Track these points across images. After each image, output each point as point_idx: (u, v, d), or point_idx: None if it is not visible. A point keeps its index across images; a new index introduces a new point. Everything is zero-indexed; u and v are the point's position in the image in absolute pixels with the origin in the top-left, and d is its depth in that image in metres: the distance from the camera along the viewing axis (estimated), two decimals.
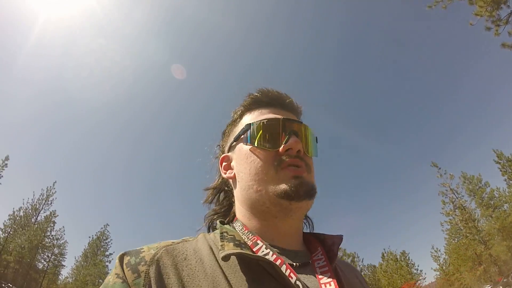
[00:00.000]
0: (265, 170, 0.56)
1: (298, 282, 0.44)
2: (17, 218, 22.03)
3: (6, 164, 21.24)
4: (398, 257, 23.61)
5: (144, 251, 0.49)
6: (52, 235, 23.26)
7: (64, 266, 23.55)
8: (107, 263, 23.10)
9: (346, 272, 0.60)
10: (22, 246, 21.03)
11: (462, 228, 20.50)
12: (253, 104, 0.66)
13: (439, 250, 22.67)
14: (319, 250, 0.57)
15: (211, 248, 0.52)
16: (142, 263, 0.46)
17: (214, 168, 0.76)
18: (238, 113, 0.68)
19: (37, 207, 23.39)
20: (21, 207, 22.57)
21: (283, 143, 0.58)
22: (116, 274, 0.46)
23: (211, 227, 0.69)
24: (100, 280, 22.05)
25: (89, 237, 24.30)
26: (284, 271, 0.45)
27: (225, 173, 0.67)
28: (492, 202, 20.51)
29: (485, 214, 19.94)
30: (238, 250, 0.47)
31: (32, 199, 23.31)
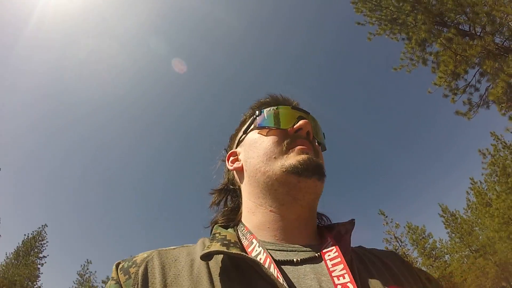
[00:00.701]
0: (274, 149, 0.56)
1: (284, 283, 0.41)
2: None
3: None
4: None
5: (137, 256, 0.50)
6: None
7: None
8: (39, 265, 20.98)
9: (374, 259, 0.55)
10: None
11: None
12: (262, 105, 0.67)
13: None
14: (328, 241, 0.52)
15: None
16: (133, 266, 0.47)
17: (219, 173, 0.75)
18: (248, 114, 0.69)
19: None
20: None
21: (293, 125, 0.59)
22: (111, 277, 0.48)
23: None
24: (29, 282, 20.04)
25: (25, 235, 22.11)
26: (272, 271, 0.43)
27: (232, 166, 0.66)
28: (434, 253, 21.74)
29: (427, 263, 21.04)
30: (219, 249, 0.46)
31: None
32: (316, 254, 0.49)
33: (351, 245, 0.53)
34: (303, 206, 0.54)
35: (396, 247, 20.34)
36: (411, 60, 9.95)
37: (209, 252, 0.45)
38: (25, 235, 22.27)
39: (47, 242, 22.46)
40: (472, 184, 20.05)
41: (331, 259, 0.47)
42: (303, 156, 0.54)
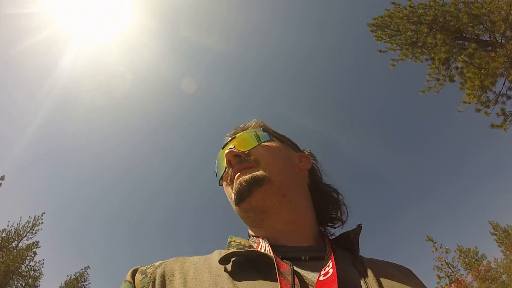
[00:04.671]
0: (229, 191, 0.65)
1: (293, 275, 0.44)
2: None
3: (0, 184, 21.08)
4: None
5: (156, 263, 0.54)
6: (30, 265, 22.24)
7: None
8: None
9: (384, 268, 0.57)
10: None
11: None
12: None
13: None
14: (327, 248, 0.55)
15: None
16: (151, 267, 0.52)
17: None
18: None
19: (21, 233, 22.75)
20: (4, 229, 21.91)
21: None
22: (124, 280, 0.51)
23: None
24: None
25: (67, 276, 22.86)
26: (280, 263, 0.47)
27: None
28: (489, 274, 19.65)
29: (483, 287, 18.98)
30: (235, 251, 0.50)
31: (17, 224, 22.74)
32: (324, 255, 0.53)
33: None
34: (278, 213, 0.58)
35: (449, 273, 18.71)
36: (438, 80, 9.46)
37: (226, 254, 0.49)
38: (67, 275, 23.15)
39: (89, 283, 23.12)
40: None
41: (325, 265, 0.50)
42: (236, 187, 0.59)
